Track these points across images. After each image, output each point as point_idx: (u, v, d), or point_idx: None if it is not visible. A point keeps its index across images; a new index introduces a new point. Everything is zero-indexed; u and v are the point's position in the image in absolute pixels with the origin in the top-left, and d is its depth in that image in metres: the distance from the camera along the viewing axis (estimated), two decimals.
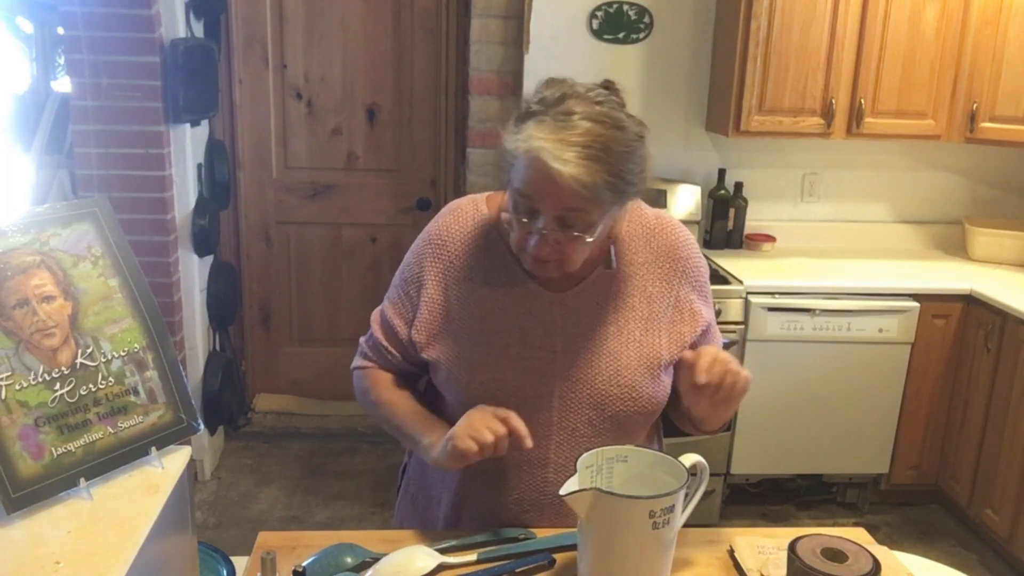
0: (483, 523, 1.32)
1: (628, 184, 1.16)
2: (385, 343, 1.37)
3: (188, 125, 3.08)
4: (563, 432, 1.28)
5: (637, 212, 1.34)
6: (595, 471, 1.15)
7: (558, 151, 1.10)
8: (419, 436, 1.28)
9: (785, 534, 1.23)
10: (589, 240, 1.17)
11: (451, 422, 1.23)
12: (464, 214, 1.34)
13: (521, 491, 1.30)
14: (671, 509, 1.06)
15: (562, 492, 1.05)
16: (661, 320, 1.31)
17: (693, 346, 1.31)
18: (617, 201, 1.17)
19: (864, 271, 3.24)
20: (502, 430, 1.16)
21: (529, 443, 1.18)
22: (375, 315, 1.40)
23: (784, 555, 1.15)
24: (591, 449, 1.15)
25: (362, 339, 1.43)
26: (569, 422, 1.28)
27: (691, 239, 1.36)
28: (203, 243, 3.19)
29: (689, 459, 1.16)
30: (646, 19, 3.36)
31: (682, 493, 1.09)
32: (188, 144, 3.10)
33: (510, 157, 1.17)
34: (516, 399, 1.26)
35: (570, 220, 1.15)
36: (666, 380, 1.31)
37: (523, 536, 1.27)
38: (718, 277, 3.09)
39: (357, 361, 1.43)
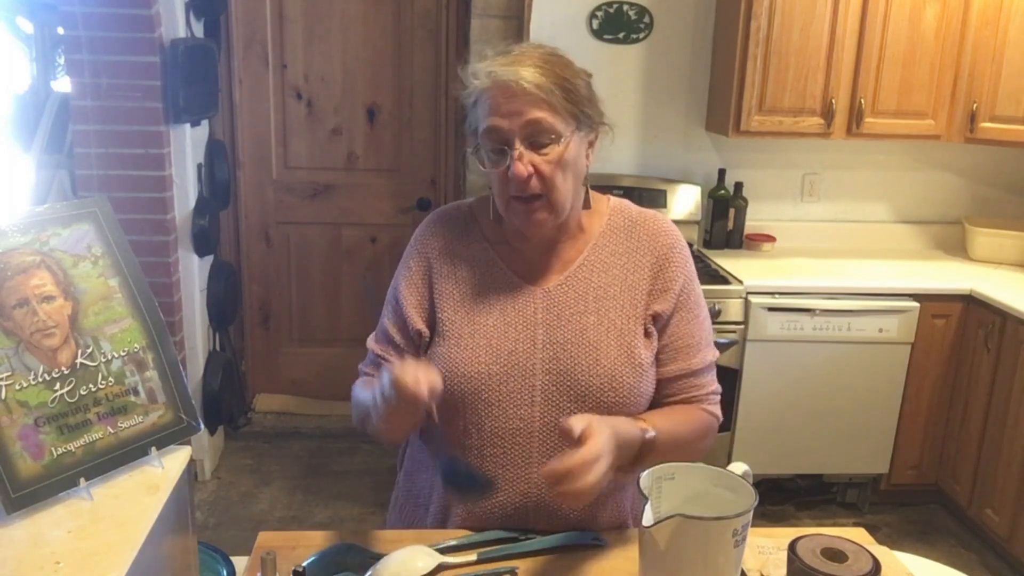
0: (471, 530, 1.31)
1: (579, 98, 1.23)
2: (388, 346, 1.35)
3: (188, 125, 3.07)
4: (546, 429, 1.27)
5: (622, 208, 1.38)
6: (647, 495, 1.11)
7: (511, 66, 1.20)
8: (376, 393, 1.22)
9: (785, 534, 1.23)
10: (561, 153, 1.21)
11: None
12: (445, 216, 1.40)
13: (506, 493, 1.29)
14: (748, 523, 1.05)
15: (645, 524, 1.01)
16: (640, 308, 1.31)
17: (664, 322, 1.31)
18: (574, 115, 1.22)
19: (864, 271, 3.23)
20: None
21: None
22: (369, 340, 1.39)
23: (784, 555, 1.15)
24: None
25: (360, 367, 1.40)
26: (551, 417, 1.26)
27: (673, 229, 1.37)
28: (203, 243, 3.19)
29: (739, 468, 1.13)
30: (646, 19, 3.36)
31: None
32: (188, 144, 3.10)
33: (470, 107, 1.25)
34: (500, 393, 1.26)
35: (538, 137, 1.20)
36: (649, 371, 1.31)
37: (523, 536, 1.27)
38: (718, 277, 3.09)
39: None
